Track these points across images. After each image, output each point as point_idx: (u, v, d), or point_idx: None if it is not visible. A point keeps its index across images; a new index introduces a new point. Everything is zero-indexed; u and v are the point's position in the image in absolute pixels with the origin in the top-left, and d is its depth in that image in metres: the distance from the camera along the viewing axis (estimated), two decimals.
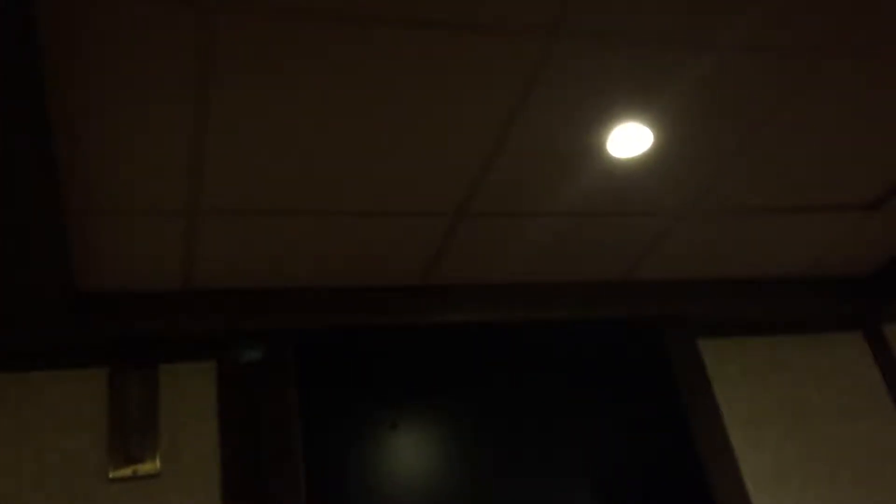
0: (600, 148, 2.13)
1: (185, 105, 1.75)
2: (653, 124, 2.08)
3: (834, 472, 2.84)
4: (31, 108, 1.55)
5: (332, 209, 2.18)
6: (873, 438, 2.96)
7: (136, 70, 1.65)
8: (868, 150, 2.39)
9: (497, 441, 2.60)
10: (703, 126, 2.13)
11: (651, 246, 2.64)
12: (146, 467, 2.23)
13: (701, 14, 1.78)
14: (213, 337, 2.42)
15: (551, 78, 1.88)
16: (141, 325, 2.31)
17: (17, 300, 2.09)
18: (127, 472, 2.22)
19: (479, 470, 2.54)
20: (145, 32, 1.58)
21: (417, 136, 1.98)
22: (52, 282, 2.05)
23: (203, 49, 1.63)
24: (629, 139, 2.12)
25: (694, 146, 2.20)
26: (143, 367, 2.35)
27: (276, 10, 1.59)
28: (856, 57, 2.00)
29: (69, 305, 2.18)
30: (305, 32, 1.65)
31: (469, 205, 2.27)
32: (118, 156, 1.86)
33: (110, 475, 2.21)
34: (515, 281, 2.69)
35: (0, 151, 1.60)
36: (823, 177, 2.46)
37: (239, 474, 2.27)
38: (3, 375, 2.27)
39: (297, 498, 2.25)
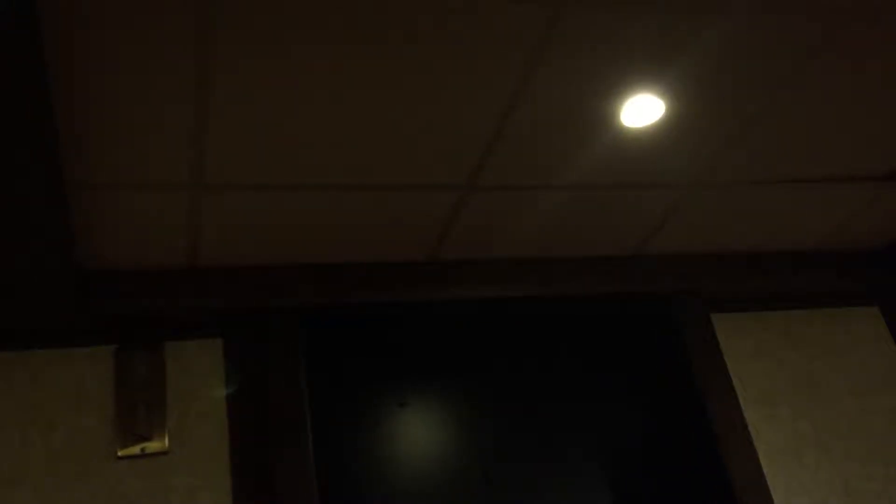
0: (612, 118, 2.10)
1: (187, 77, 1.73)
2: (664, 94, 2.04)
3: (849, 448, 2.82)
4: (31, 81, 1.52)
5: (340, 184, 2.16)
6: (889, 414, 2.93)
7: (137, 42, 1.62)
8: (884, 121, 2.35)
9: (507, 419, 2.59)
10: (715, 95, 2.09)
11: (663, 219, 2.61)
12: (154, 445, 2.22)
13: None
14: (220, 314, 2.40)
15: (561, 46, 1.84)
16: (147, 302, 2.29)
17: (20, 279, 2.07)
18: (135, 450, 2.21)
19: (488, 448, 2.52)
20: (147, 4, 1.54)
21: (425, 107, 1.95)
22: (55, 260, 2.03)
23: (205, 19, 1.60)
24: (640, 109, 2.08)
25: (705, 116, 2.16)
26: (149, 344, 2.34)
27: None
28: (873, 24, 1.95)
29: (73, 283, 2.16)
30: (309, 3, 1.61)
31: (478, 178, 2.24)
32: (120, 130, 1.83)
33: (119, 453, 2.20)
34: (526, 256, 2.66)
35: None
36: (838, 148, 2.43)
37: (247, 451, 2.26)
38: (9, 355, 2.27)
39: (307, 475, 2.24)
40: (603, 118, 2.09)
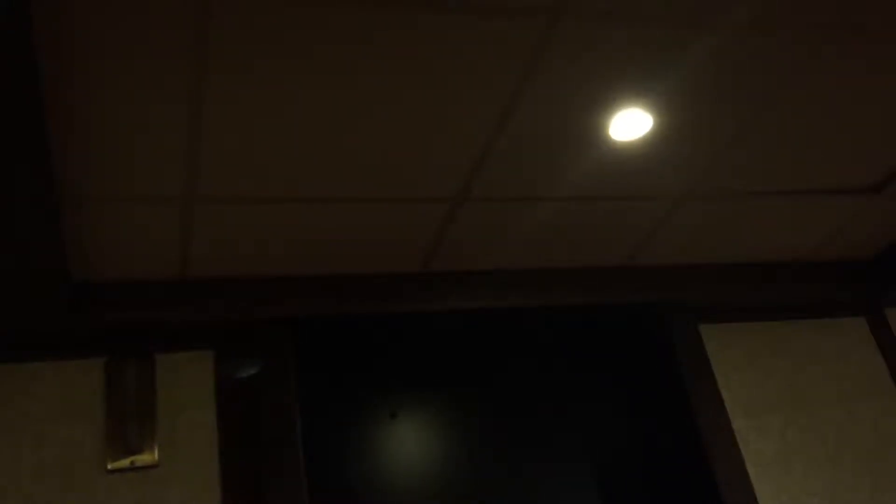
0: (600, 132, 2.11)
1: (180, 90, 1.73)
2: (652, 108, 2.06)
3: (837, 457, 2.84)
4: (25, 94, 1.52)
5: (331, 196, 2.16)
6: (876, 423, 2.96)
7: (131, 55, 1.63)
8: (870, 133, 2.37)
9: (498, 429, 2.60)
10: (702, 109, 2.11)
11: (652, 231, 2.63)
12: (144, 458, 2.22)
13: None
14: (211, 326, 2.40)
15: (551, 61, 1.85)
16: (137, 314, 2.29)
17: (11, 290, 2.07)
18: (125, 463, 2.20)
19: (479, 458, 2.53)
20: (140, 18, 1.55)
21: (416, 120, 1.96)
22: (46, 271, 2.03)
23: (199, 34, 1.61)
24: (628, 123, 2.09)
25: (693, 129, 2.18)
26: (139, 356, 2.33)
27: None
28: (860, 38, 1.97)
29: (64, 295, 2.16)
30: (301, 16, 1.62)
31: (469, 190, 2.25)
32: (113, 143, 1.84)
33: (108, 466, 2.20)
34: (516, 267, 2.67)
35: None
36: (825, 160, 2.45)
37: (238, 464, 2.26)
38: None
39: (298, 487, 2.24)
40: (592, 132, 2.11)
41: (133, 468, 2.20)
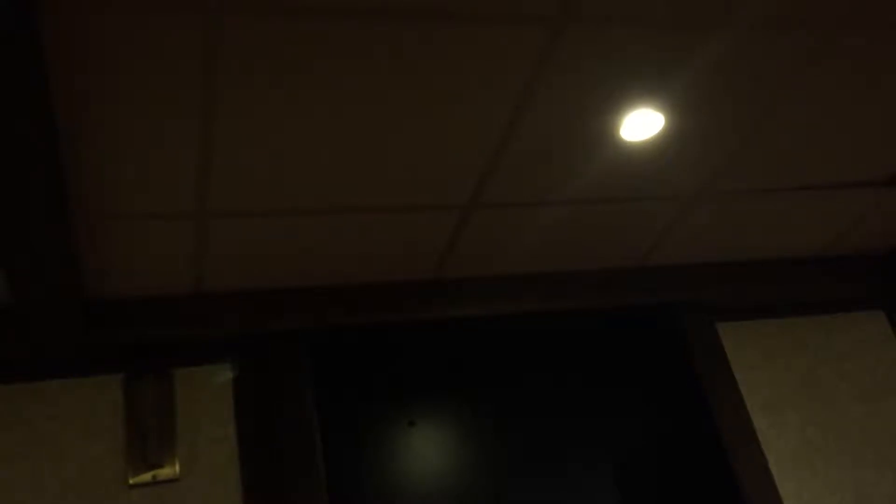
0: (612, 133, 2.11)
1: (191, 106, 1.74)
2: (664, 107, 2.05)
3: (858, 454, 2.82)
4: (38, 114, 1.53)
5: (343, 207, 2.17)
6: None
7: (142, 72, 1.63)
8: (883, 127, 2.35)
9: (516, 434, 2.59)
10: (715, 106, 2.10)
11: (666, 231, 2.62)
12: (165, 472, 2.22)
13: None
14: (228, 339, 2.40)
15: (561, 64, 1.85)
16: (154, 329, 2.30)
17: (28, 310, 2.08)
18: (147, 477, 2.21)
19: (497, 464, 2.52)
20: (151, 35, 1.56)
21: (426, 128, 1.96)
22: (62, 290, 2.04)
23: (209, 51, 1.61)
24: (640, 123, 2.09)
25: (706, 127, 2.17)
26: (158, 372, 2.34)
27: (279, 10, 1.56)
28: (873, 29, 1.96)
29: (81, 313, 2.17)
30: (309, 31, 1.63)
31: (481, 196, 2.24)
32: (126, 159, 1.85)
33: (130, 481, 2.20)
34: (531, 271, 2.66)
35: (6, 159, 1.59)
36: (839, 155, 2.43)
37: (259, 476, 2.26)
38: (18, 386, 2.27)
39: (319, 498, 2.24)
40: (603, 133, 2.10)
41: (154, 483, 2.21)
